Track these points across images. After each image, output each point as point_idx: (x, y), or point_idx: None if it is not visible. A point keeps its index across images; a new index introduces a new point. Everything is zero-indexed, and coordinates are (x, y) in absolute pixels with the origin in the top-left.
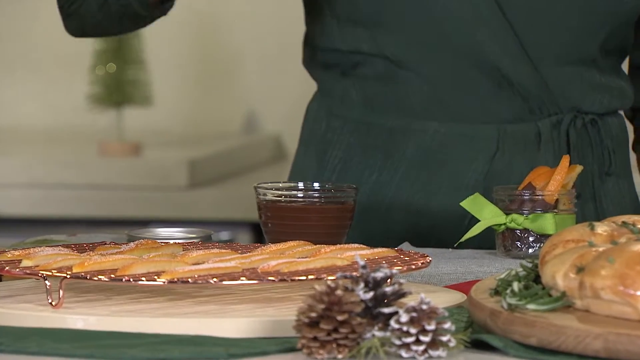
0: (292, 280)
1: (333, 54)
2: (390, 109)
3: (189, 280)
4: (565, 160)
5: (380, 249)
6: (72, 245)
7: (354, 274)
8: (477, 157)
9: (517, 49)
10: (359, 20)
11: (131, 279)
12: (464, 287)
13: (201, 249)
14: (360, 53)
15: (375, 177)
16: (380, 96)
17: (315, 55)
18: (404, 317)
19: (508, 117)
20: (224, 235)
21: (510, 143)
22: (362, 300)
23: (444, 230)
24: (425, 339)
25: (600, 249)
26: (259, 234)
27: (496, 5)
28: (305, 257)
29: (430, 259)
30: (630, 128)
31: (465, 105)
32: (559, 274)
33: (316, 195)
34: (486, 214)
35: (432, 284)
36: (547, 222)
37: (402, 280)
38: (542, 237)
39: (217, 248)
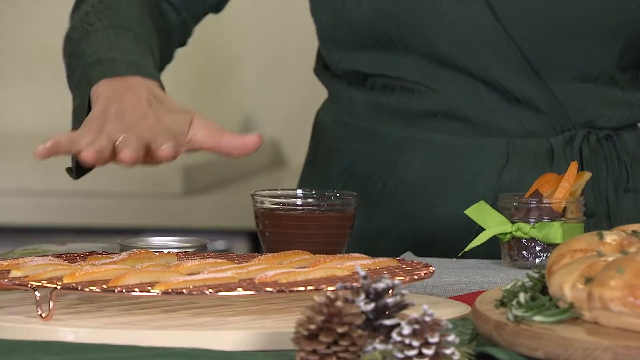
0: (291, 291)
1: (339, 70)
2: (398, 118)
3: (184, 291)
4: (573, 166)
5: (381, 259)
6: (63, 255)
7: (355, 284)
8: (486, 170)
9: (525, 69)
10: (356, 47)
11: (124, 290)
12: (468, 298)
13: (196, 258)
14: (362, 72)
15: (380, 187)
16: (386, 106)
17: (324, 66)
18: (407, 330)
19: (518, 132)
20: (220, 244)
21: (520, 157)
22: (362, 312)
23: (449, 243)
24: (429, 352)
25: (610, 259)
26: (256, 243)
27: (500, 27)
28: (304, 267)
29: (433, 269)
30: None
31: (474, 118)
32: (566, 285)
33: (315, 203)
34: (491, 222)
35: (435, 295)
36: (554, 231)
37: (404, 291)
38: (549, 247)
39: (213, 258)
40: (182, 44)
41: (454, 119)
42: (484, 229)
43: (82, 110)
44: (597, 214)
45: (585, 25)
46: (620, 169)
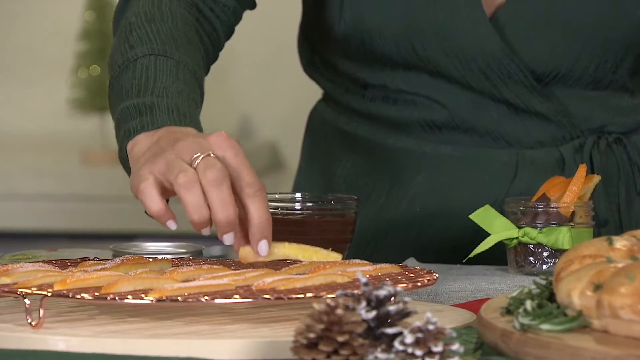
0: (289, 298)
1: (336, 74)
2: (400, 129)
3: (179, 298)
4: (582, 169)
5: (383, 265)
6: (53, 261)
7: (356, 291)
8: (494, 183)
9: (533, 85)
10: (357, 62)
11: (116, 298)
12: (473, 305)
13: (191, 265)
14: (363, 81)
15: (382, 200)
16: (386, 117)
17: (316, 66)
18: (409, 338)
19: (527, 142)
20: (216, 250)
21: (529, 168)
22: (364, 320)
23: (454, 255)
24: None
25: (619, 265)
26: None
27: (508, 49)
28: (303, 274)
29: (437, 275)
30: None
31: (481, 129)
32: (575, 292)
33: (315, 207)
34: (497, 227)
35: (439, 302)
36: (562, 236)
37: (406, 299)
38: (557, 253)
39: (209, 264)
40: (216, 57)
41: (459, 130)
42: (489, 234)
43: (124, 160)
44: (610, 224)
45: (596, 38)
46: (632, 171)
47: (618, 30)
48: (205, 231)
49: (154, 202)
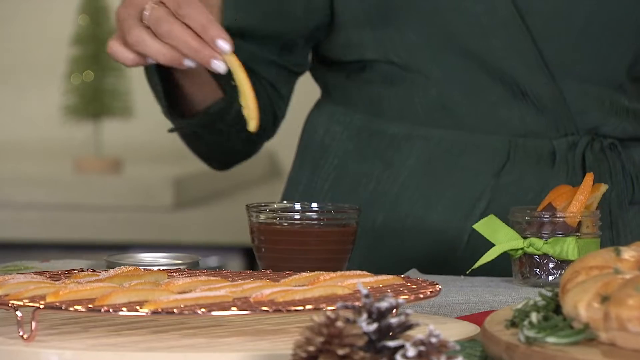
0: (288, 310)
1: (337, 64)
2: (394, 115)
3: (175, 310)
4: (589, 178)
5: (385, 277)
6: (46, 273)
7: (356, 303)
8: (484, 169)
9: (535, 59)
10: (362, 22)
11: (111, 310)
12: (477, 318)
13: (188, 276)
14: (364, 60)
15: (372, 186)
16: (384, 101)
17: (318, 63)
18: (411, 351)
19: (520, 130)
20: (213, 261)
21: (521, 156)
22: (365, 333)
23: (442, 246)
24: None
25: (627, 277)
26: (252, 260)
27: (515, 10)
28: (303, 285)
29: (440, 287)
30: None
31: (474, 113)
32: (581, 304)
33: (315, 217)
34: (501, 237)
35: (442, 314)
36: (568, 247)
37: (409, 311)
38: (563, 264)
39: (205, 275)
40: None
41: (453, 113)
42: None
43: None
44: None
45: (601, 24)
46: (625, 180)
47: (624, 22)
48: (187, 62)
49: (124, 56)
